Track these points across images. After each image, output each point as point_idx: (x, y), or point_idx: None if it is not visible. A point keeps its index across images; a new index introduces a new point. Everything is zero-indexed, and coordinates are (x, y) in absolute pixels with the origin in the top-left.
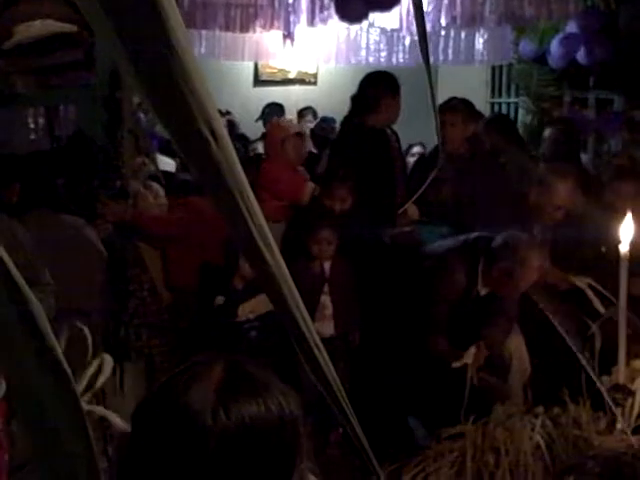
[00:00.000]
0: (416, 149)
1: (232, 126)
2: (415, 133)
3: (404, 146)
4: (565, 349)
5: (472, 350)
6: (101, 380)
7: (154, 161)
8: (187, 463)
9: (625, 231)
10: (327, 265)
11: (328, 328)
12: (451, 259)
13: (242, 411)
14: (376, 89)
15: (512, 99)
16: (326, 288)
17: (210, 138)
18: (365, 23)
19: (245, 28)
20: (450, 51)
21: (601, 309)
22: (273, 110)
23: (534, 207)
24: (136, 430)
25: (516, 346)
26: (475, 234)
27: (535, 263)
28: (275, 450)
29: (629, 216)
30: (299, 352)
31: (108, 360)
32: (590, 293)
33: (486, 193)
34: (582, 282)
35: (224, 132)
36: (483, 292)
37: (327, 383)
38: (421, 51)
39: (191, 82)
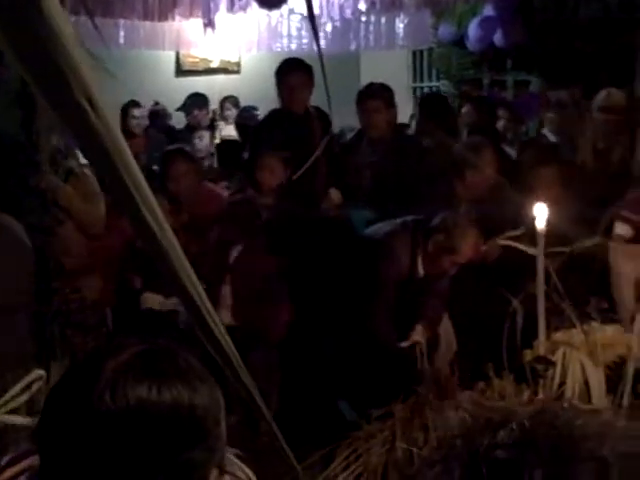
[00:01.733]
0: (349, 135)
1: (157, 116)
2: (342, 118)
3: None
4: (489, 325)
5: (420, 328)
6: (24, 398)
7: (74, 156)
8: (77, 443)
9: (540, 209)
10: (235, 252)
11: (226, 317)
12: (394, 242)
13: (129, 394)
14: (277, 74)
15: (434, 83)
16: (228, 278)
17: (88, 108)
18: (285, 10)
19: (164, 16)
20: (371, 37)
21: (534, 252)
22: (194, 101)
23: (468, 186)
24: (44, 412)
25: (443, 324)
26: (412, 217)
27: (472, 239)
28: (163, 438)
29: (544, 194)
30: (202, 337)
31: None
32: (518, 244)
33: (410, 176)
34: (506, 239)
35: (102, 102)
36: (422, 273)
37: (232, 369)
38: (314, 38)
39: (66, 55)
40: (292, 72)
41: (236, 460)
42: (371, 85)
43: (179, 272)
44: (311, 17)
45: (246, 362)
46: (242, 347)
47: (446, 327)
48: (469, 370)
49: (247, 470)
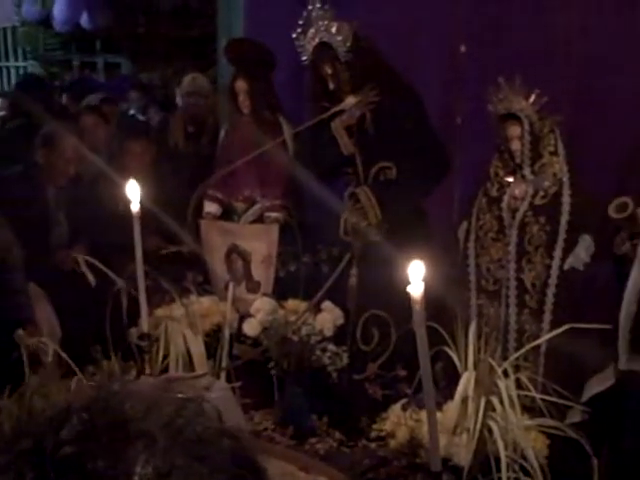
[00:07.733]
0: None
1: None
2: None
3: None
4: (92, 312)
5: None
6: None
7: None
8: None
9: (132, 190)
10: None
11: None
12: None
13: None
14: None
15: (21, 63)
16: None
17: None
18: None
19: None
20: None
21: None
22: None
23: (46, 167)
24: None
25: (46, 315)
26: None
27: (70, 153)
28: None
29: (134, 169)
30: None
31: None
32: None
33: None
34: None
35: None
36: None
37: None
38: None
39: None
40: None
41: None
42: None
43: None
44: None
45: None
46: None
47: (50, 317)
48: (78, 354)
49: None
